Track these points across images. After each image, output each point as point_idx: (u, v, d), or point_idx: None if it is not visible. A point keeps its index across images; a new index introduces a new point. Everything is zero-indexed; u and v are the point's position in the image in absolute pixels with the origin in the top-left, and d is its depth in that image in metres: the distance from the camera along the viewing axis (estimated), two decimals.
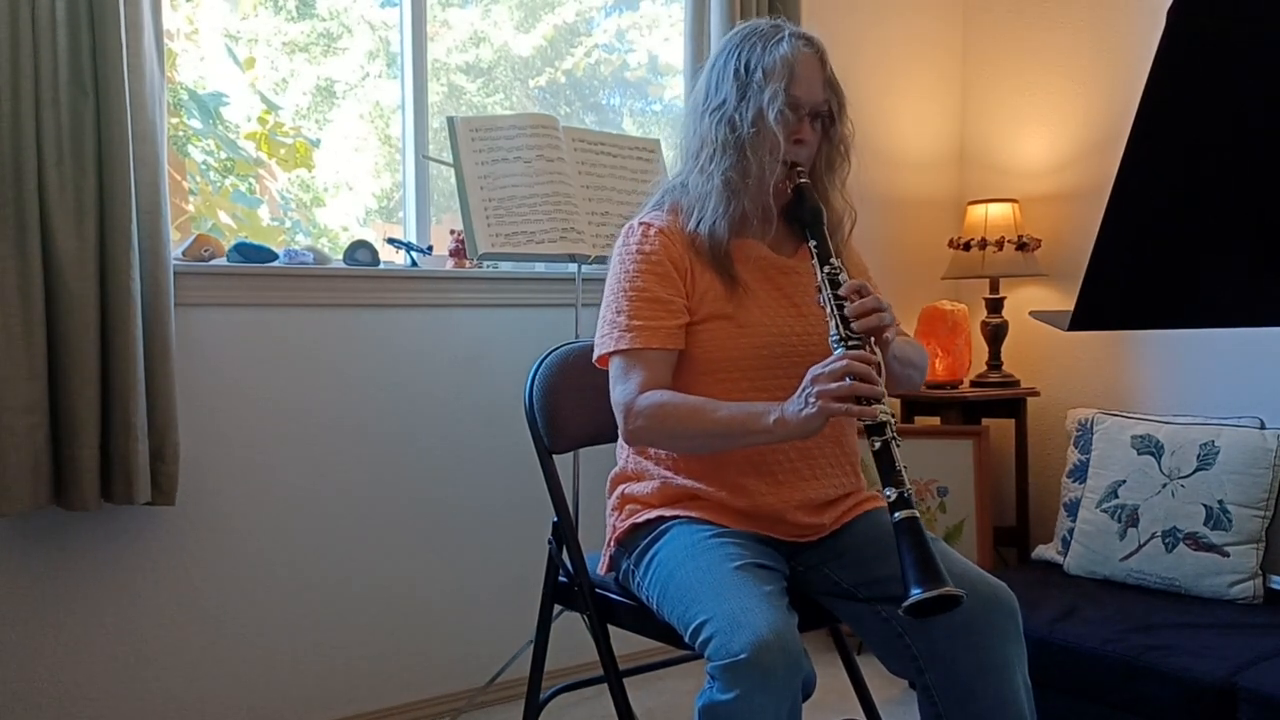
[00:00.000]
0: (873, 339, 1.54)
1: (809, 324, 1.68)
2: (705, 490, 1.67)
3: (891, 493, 1.43)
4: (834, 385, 1.45)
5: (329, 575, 2.46)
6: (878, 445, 1.46)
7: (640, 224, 1.71)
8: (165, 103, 2.17)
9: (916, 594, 1.35)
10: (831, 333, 1.54)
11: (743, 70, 1.64)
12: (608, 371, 1.70)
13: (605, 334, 1.68)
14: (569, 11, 3.05)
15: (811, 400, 1.47)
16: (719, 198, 1.65)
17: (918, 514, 1.42)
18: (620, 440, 1.73)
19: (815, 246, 1.62)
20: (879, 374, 1.49)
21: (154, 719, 2.26)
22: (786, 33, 1.65)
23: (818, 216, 1.64)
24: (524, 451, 2.03)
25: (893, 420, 1.47)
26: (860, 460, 1.80)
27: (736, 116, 1.64)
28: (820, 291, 1.58)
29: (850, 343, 1.52)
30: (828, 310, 1.56)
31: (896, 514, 1.42)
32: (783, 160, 1.64)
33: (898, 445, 1.46)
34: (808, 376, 1.49)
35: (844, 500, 1.75)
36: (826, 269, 1.59)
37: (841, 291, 1.55)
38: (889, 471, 1.44)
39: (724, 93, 1.66)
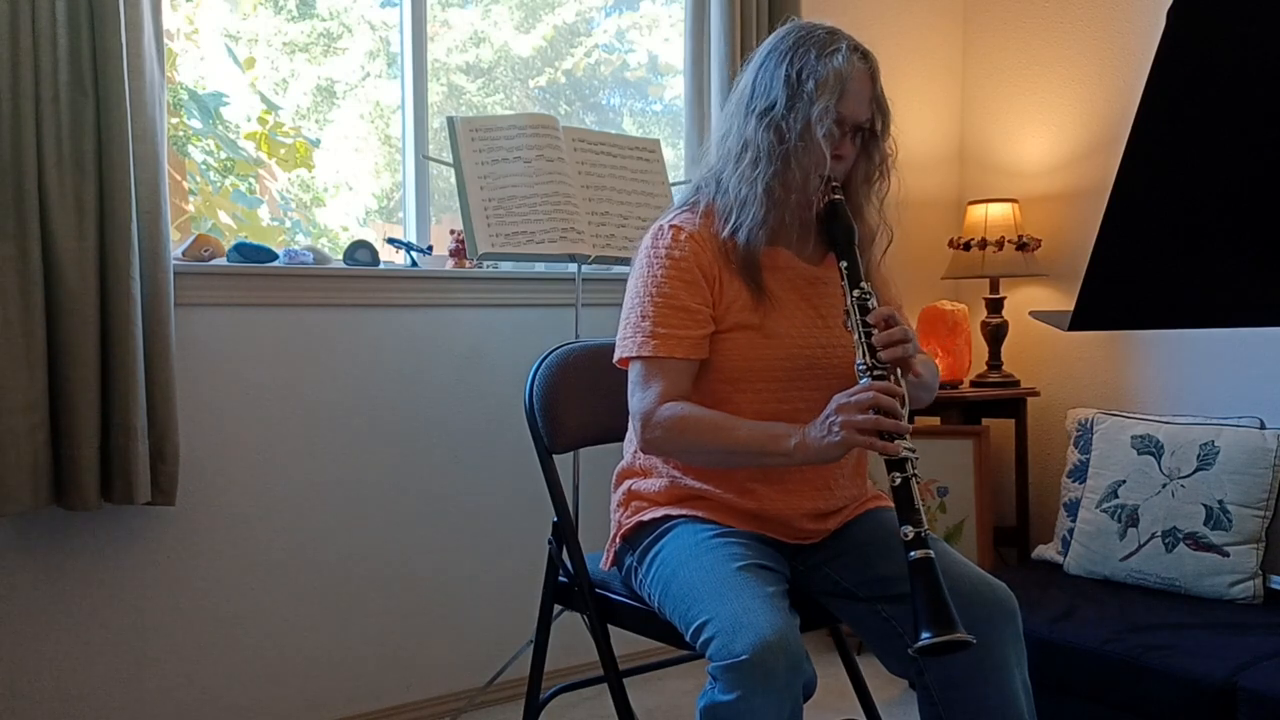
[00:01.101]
0: (899, 370, 1.52)
1: (835, 336, 1.65)
2: (713, 491, 1.66)
3: (909, 531, 1.41)
4: (859, 417, 1.44)
5: (329, 575, 2.46)
6: (898, 481, 1.44)
7: (670, 226, 1.66)
8: (165, 103, 2.17)
9: (927, 638, 1.34)
10: (858, 360, 1.52)
11: (794, 77, 1.59)
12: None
13: (628, 337, 1.64)
14: (569, 11, 3.05)
15: (835, 429, 1.46)
16: (760, 206, 1.61)
17: (933, 554, 1.40)
18: (629, 437, 1.72)
19: (846, 268, 1.58)
20: (903, 406, 1.47)
21: (154, 719, 2.26)
22: (844, 45, 1.61)
23: (850, 236, 1.60)
24: (524, 451, 2.03)
25: (914, 456, 1.45)
26: (869, 467, 1.79)
27: (784, 125, 1.59)
28: (849, 316, 1.55)
29: (876, 372, 1.50)
30: (855, 336, 1.54)
31: (912, 553, 1.40)
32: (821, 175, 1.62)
33: (918, 482, 1.45)
34: (832, 404, 1.48)
35: (848, 507, 1.74)
36: (857, 293, 1.56)
37: (870, 319, 1.52)
38: (907, 509, 1.43)
39: (773, 96, 1.61)
